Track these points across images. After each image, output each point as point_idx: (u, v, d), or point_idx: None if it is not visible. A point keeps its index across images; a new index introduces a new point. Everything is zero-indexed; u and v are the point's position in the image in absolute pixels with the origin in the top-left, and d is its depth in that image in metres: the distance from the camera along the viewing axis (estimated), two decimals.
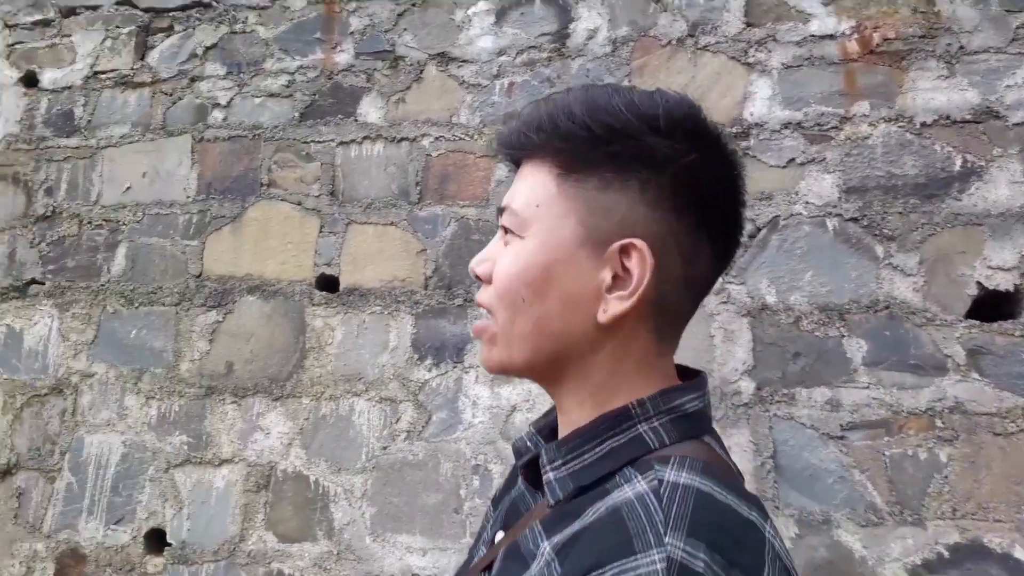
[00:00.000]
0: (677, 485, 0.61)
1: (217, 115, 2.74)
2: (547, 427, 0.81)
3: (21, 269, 2.80)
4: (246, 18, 2.78)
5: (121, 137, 2.82)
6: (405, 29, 2.61)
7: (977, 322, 2.01)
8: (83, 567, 2.44)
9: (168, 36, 2.87)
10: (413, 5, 2.61)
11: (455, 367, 2.31)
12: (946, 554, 1.90)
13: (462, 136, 2.49)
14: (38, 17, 3.00)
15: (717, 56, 2.30)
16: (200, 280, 2.59)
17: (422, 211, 2.47)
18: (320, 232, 2.55)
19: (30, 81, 2.99)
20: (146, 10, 2.88)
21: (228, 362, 2.48)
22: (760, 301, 2.11)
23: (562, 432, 0.73)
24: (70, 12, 2.96)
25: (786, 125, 2.20)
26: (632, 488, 0.62)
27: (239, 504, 2.36)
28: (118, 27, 2.91)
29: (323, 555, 2.26)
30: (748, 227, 2.15)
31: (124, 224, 2.72)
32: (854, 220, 2.10)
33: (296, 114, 2.66)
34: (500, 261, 0.73)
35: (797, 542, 1.95)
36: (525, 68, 2.47)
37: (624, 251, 0.69)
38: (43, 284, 2.75)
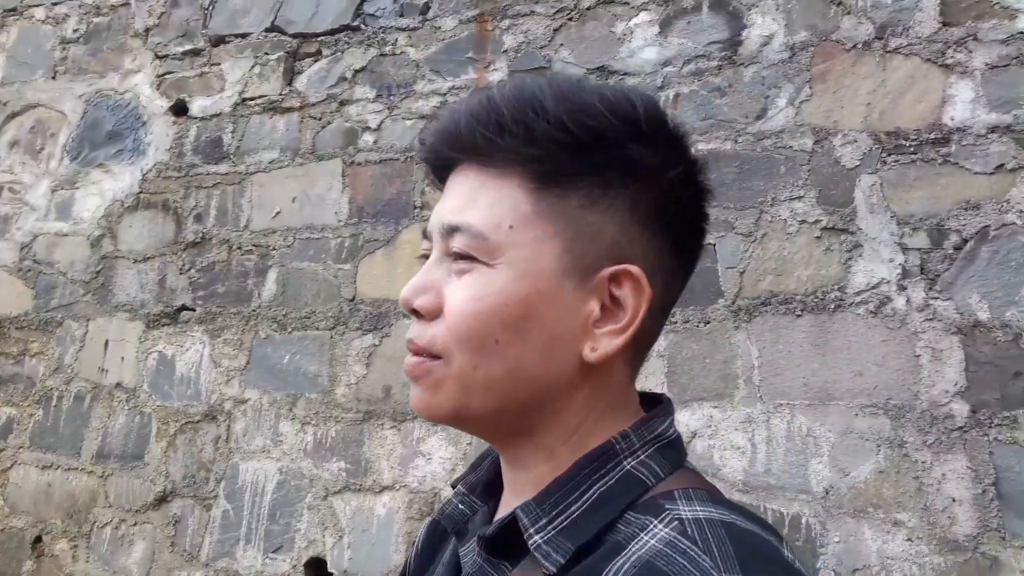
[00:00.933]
0: (700, 521, 0.53)
1: (368, 138, 2.72)
2: (480, 485, 0.70)
3: (171, 296, 2.81)
4: (395, 40, 2.77)
5: (270, 162, 2.82)
6: (562, 44, 2.56)
7: None
8: None
9: (316, 60, 2.88)
10: (570, 20, 2.56)
11: None
12: None
13: None
14: (188, 47, 3.06)
15: (910, 59, 2.16)
16: (354, 304, 2.54)
17: None
18: None
19: (179, 110, 3.04)
20: (294, 36, 2.90)
21: (386, 386, 2.41)
22: (971, 318, 1.93)
23: (518, 491, 0.62)
24: (219, 41, 3.01)
25: (993, 129, 2.04)
26: (652, 535, 0.53)
27: (402, 532, 2.26)
28: (267, 54, 2.94)
29: None
30: (953, 238, 1.99)
31: (274, 249, 2.71)
32: None
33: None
34: (455, 294, 0.59)
35: None
36: (692, 78, 2.38)
37: (614, 279, 0.59)
38: (194, 310, 2.75)
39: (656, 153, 0.60)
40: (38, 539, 2.74)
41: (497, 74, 2.61)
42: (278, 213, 2.76)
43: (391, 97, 2.73)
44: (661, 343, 2.14)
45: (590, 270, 0.59)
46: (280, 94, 2.88)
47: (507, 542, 0.59)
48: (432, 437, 2.31)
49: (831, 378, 1.97)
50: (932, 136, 2.09)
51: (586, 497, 0.57)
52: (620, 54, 2.48)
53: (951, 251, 1.98)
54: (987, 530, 1.76)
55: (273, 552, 2.38)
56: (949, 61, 2.12)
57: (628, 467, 0.58)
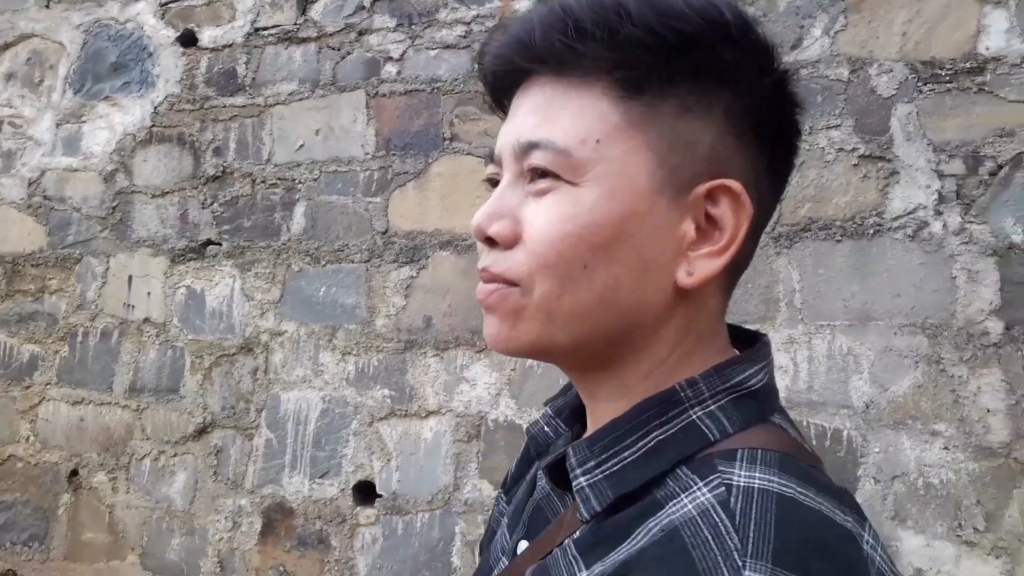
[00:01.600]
0: (751, 491, 0.47)
1: (390, 69, 2.68)
2: (568, 408, 0.68)
3: (195, 230, 2.79)
4: None
5: (290, 94, 2.78)
6: None
7: None
8: (291, 520, 2.45)
9: None
10: None
11: None
12: None
13: None
14: None
15: None
16: (387, 236, 2.55)
17: None
18: None
19: (188, 40, 2.95)
20: None
21: (426, 316, 2.45)
22: (1006, 240, 2.03)
23: (593, 426, 0.59)
24: None
25: None
26: (692, 499, 0.48)
27: (450, 454, 2.34)
28: None
29: None
30: (988, 164, 2.07)
31: (300, 183, 2.69)
32: None
33: (475, 65, 2.60)
34: (537, 217, 0.55)
35: None
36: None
37: (710, 195, 0.55)
38: (220, 245, 2.74)
39: (749, 59, 0.56)
40: (74, 472, 2.77)
41: (524, 2, 2.58)
42: (301, 146, 2.73)
43: (412, 26, 2.69)
44: None
45: (685, 186, 0.55)
46: (295, 24, 2.81)
47: (565, 474, 0.57)
48: (476, 364, 2.37)
49: (870, 300, 2.07)
50: (967, 65, 2.14)
51: (641, 444, 0.54)
52: None
53: (986, 177, 2.07)
54: (1019, 437, 1.89)
55: (320, 477, 2.45)
56: None
57: (693, 417, 0.54)
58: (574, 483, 0.54)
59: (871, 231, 2.12)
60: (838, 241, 2.14)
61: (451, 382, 2.38)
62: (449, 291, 2.46)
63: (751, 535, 0.44)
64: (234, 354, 2.63)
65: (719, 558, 0.44)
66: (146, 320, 2.77)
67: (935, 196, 2.09)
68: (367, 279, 2.54)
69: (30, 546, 2.80)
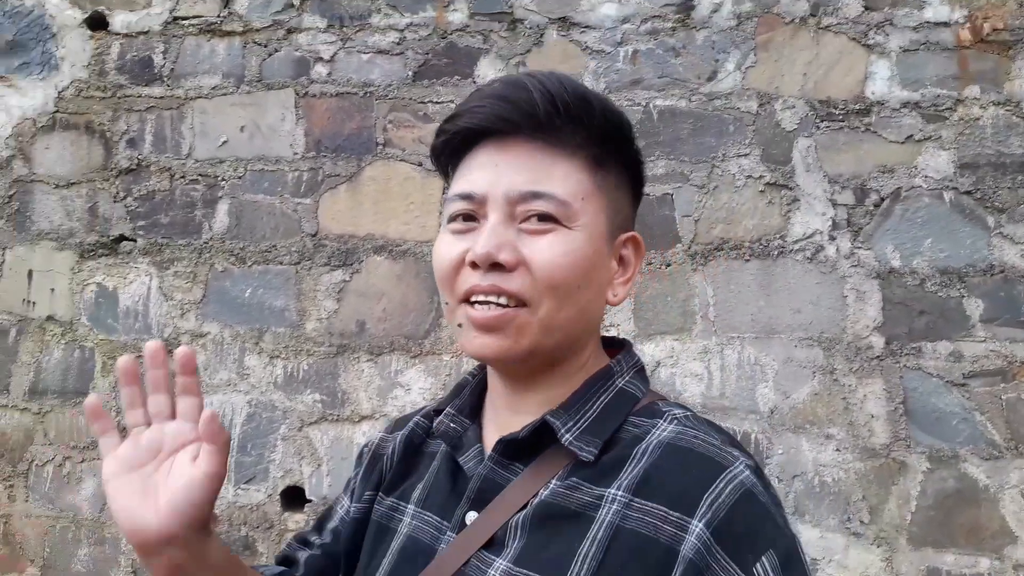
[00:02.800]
0: (690, 418, 0.75)
1: (320, 70, 2.68)
2: (468, 408, 0.84)
3: (107, 225, 2.67)
4: None
5: (212, 88, 2.71)
6: None
7: None
8: (216, 526, 2.42)
9: None
10: None
11: None
12: None
13: None
14: None
15: (839, 36, 2.47)
16: (317, 239, 2.56)
17: None
18: (444, 193, 2.57)
19: (97, 24, 2.81)
20: None
21: (359, 321, 2.49)
22: (887, 265, 2.33)
23: (522, 411, 0.77)
24: None
25: (905, 104, 2.41)
26: (663, 429, 0.73)
27: None
28: None
29: None
30: (873, 197, 2.37)
31: (223, 180, 2.65)
32: (968, 193, 2.35)
33: (409, 73, 2.65)
34: (543, 250, 0.72)
35: (929, 475, 2.21)
36: (649, 37, 2.56)
37: (624, 243, 0.80)
38: (135, 241, 2.64)
39: (637, 150, 0.82)
40: None
41: (457, 15, 2.66)
42: (225, 142, 2.68)
43: (344, 28, 2.70)
44: None
45: (615, 235, 0.78)
46: (219, 16, 2.75)
47: (524, 446, 0.75)
48: (411, 369, 2.44)
49: (774, 315, 2.32)
50: (857, 107, 2.43)
51: (595, 406, 0.76)
52: (581, 6, 2.61)
53: (871, 208, 2.36)
54: (897, 440, 2.19)
55: (245, 483, 2.44)
56: (871, 42, 2.46)
57: (621, 385, 0.78)
58: (564, 440, 0.73)
59: (775, 252, 2.37)
60: (747, 260, 2.37)
61: (385, 387, 2.44)
62: (384, 296, 2.50)
63: (715, 436, 0.72)
64: None
65: (715, 446, 0.70)
66: (50, 318, 2.63)
67: (829, 223, 2.36)
68: (297, 281, 2.54)
69: None
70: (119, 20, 2.79)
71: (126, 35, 2.78)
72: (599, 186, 0.76)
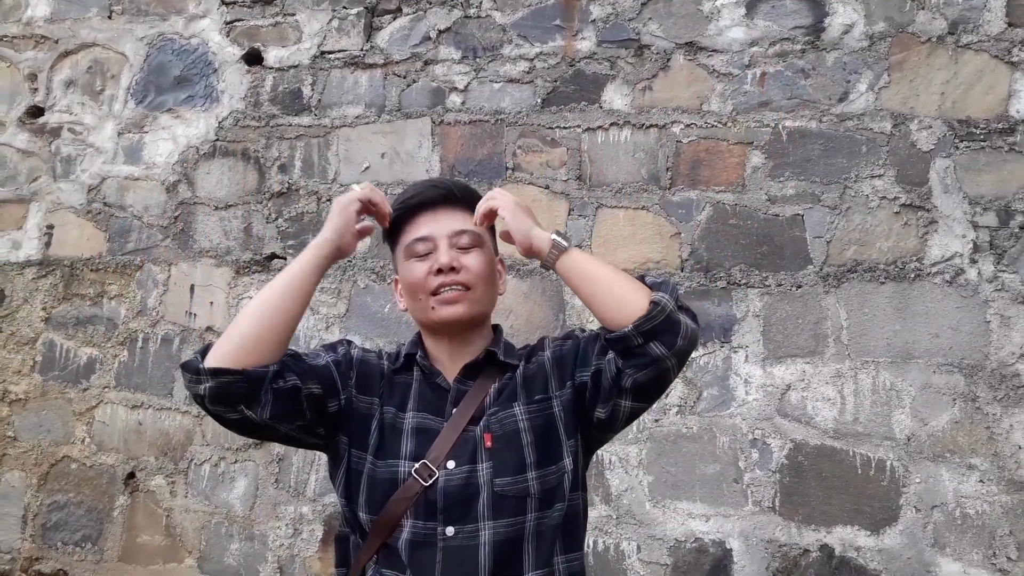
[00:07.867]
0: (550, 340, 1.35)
1: (455, 99, 2.83)
2: (425, 355, 1.32)
3: (260, 243, 2.90)
4: (480, 3, 2.86)
5: (356, 117, 2.91)
6: (650, 18, 2.71)
7: None
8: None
9: (396, 18, 2.95)
10: None
11: (723, 347, 2.43)
12: None
13: (714, 123, 2.59)
14: None
15: (979, 54, 2.41)
16: None
17: (675, 196, 2.59)
18: (569, 215, 2.66)
19: (253, 59, 3.07)
20: None
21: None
22: None
23: (461, 356, 1.27)
24: None
25: None
26: (544, 353, 1.29)
27: None
28: (345, 7, 2.99)
29: (601, 519, 2.40)
30: (1019, 218, 2.29)
31: None
32: None
33: (538, 100, 2.76)
34: (475, 260, 1.26)
35: None
36: (778, 59, 2.57)
37: (499, 260, 1.35)
38: (284, 259, 2.86)
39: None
40: (131, 475, 2.86)
41: (585, 43, 2.75)
42: (367, 168, 2.86)
43: (477, 59, 2.84)
44: (756, 304, 2.40)
45: (496, 254, 1.34)
46: (361, 50, 2.95)
47: (475, 368, 1.26)
48: None
49: (911, 339, 2.27)
50: (1000, 126, 2.36)
51: (503, 344, 1.31)
52: (708, 31, 2.65)
53: (1016, 230, 2.28)
54: None
55: None
56: (1015, 59, 2.39)
57: (505, 338, 1.34)
58: (505, 359, 1.28)
59: (912, 275, 2.32)
60: (881, 283, 2.34)
61: None
62: (511, 313, 2.61)
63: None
64: None
65: (572, 338, 1.31)
66: (208, 328, 2.87)
67: (970, 245, 2.30)
68: None
69: (82, 547, 2.88)
70: (272, 55, 3.04)
71: (278, 69, 3.02)
72: (483, 229, 1.31)
